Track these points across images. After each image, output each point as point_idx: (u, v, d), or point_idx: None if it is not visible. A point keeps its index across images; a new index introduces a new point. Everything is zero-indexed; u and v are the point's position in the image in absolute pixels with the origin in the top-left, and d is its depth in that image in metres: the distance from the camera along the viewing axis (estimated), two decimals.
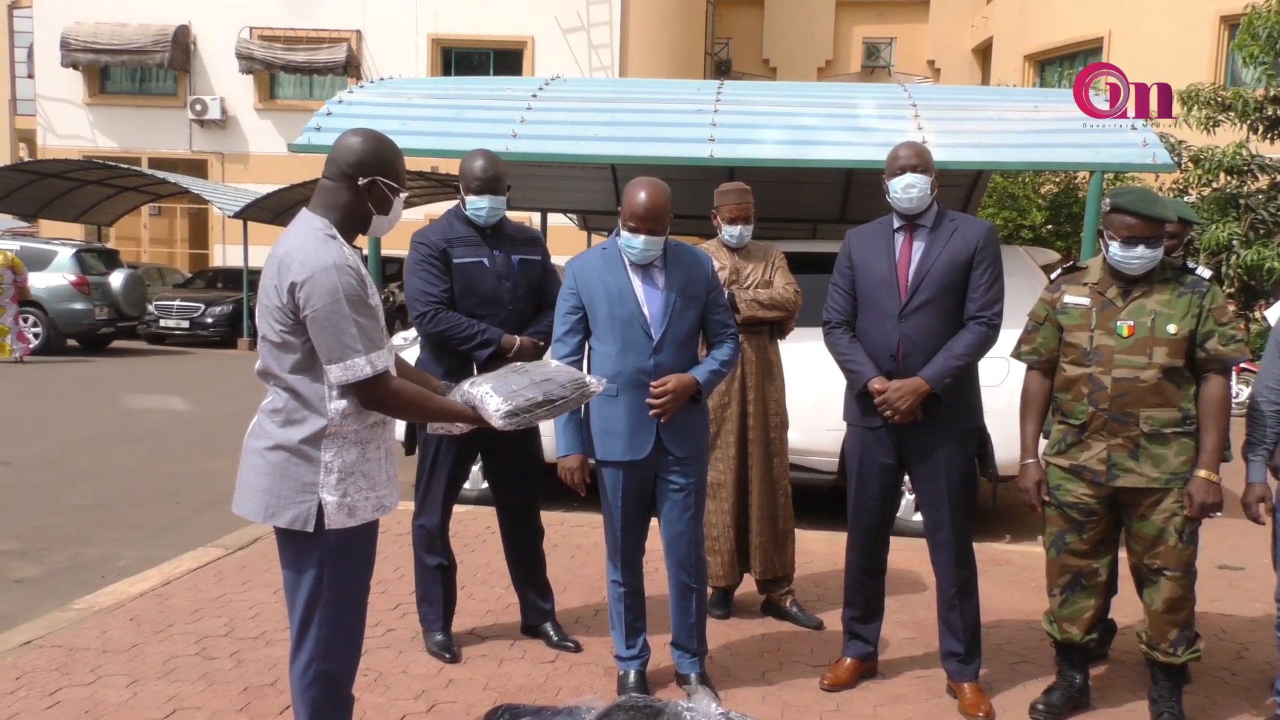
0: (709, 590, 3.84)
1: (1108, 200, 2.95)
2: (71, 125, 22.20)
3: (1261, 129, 12.14)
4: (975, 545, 3.31)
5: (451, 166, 5.49)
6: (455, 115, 6.37)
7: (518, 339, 3.49)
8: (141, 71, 22.40)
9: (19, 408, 9.33)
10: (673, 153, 5.96)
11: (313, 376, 2.16)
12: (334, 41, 21.53)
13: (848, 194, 8.15)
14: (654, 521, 3.20)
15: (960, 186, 7.85)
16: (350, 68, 21.32)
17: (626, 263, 3.07)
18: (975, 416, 3.29)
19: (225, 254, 21.66)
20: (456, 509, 3.75)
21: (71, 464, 6.87)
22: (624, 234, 3.02)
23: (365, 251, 6.22)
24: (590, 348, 3.15)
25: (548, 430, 3.12)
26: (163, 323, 16.30)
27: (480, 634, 3.74)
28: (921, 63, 27.10)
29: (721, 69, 26.79)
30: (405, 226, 3.95)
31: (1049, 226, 14.96)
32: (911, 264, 3.20)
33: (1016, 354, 3.22)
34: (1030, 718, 3.15)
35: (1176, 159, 11.55)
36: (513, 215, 3.82)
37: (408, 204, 15.77)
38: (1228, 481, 3.09)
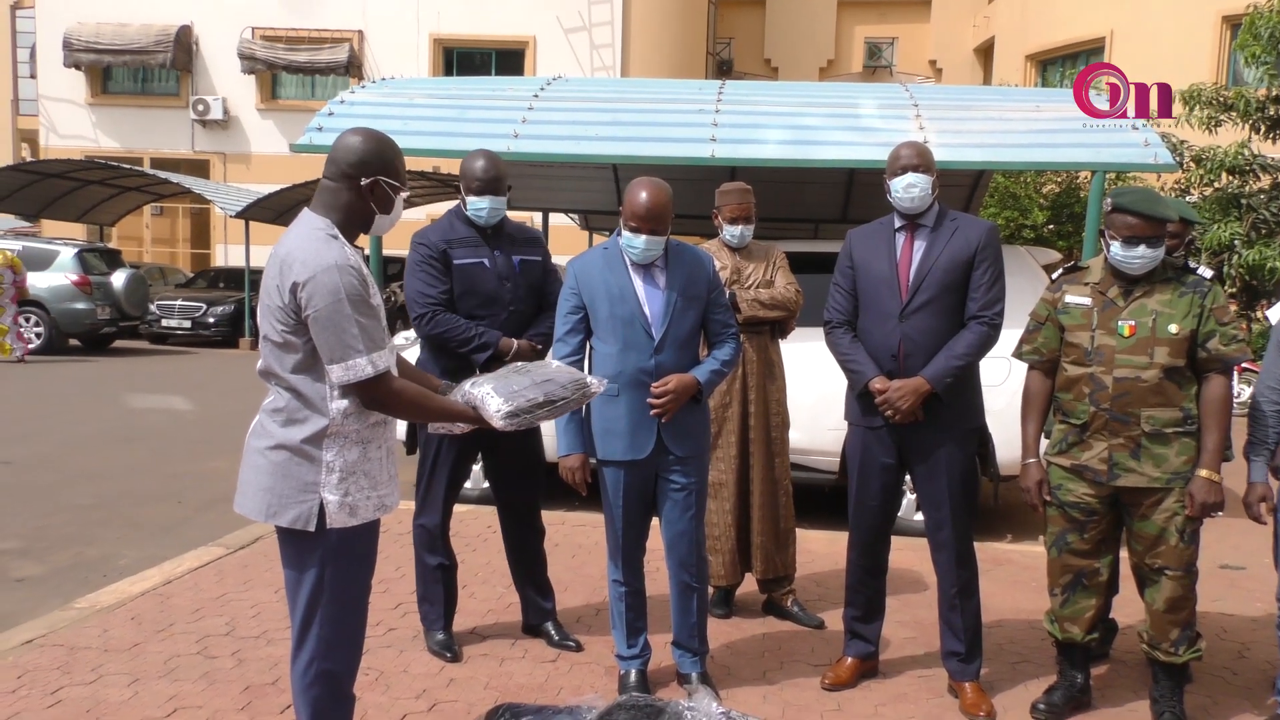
0: (710, 590, 3.84)
1: (1109, 200, 2.95)
2: (74, 125, 22.23)
3: (1263, 129, 12.15)
4: (976, 545, 3.31)
5: (453, 166, 5.48)
6: (457, 115, 6.38)
7: (516, 342, 3.47)
8: (144, 72, 22.43)
9: (21, 407, 9.34)
10: (674, 153, 5.96)
11: (314, 376, 2.17)
12: (336, 41, 21.55)
13: (849, 194, 8.15)
14: (655, 521, 3.20)
15: (962, 186, 7.84)
16: (352, 68, 21.34)
17: (628, 263, 3.07)
18: (976, 416, 3.29)
19: (227, 254, 21.66)
20: (457, 508, 3.75)
21: (73, 463, 6.88)
22: (625, 234, 3.02)
23: (367, 251, 6.23)
24: (591, 347, 3.15)
25: (549, 430, 3.12)
26: (165, 322, 16.32)
27: (481, 633, 3.75)
28: (923, 63, 27.08)
29: (723, 69, 26.77)
30: (406, 226, 3.95)
31: (1050, 226, 14.96)
32: (913, 264, 3.19)
33: (1018, 354, 3.22)
34: (1031, 717, 3.15)
35: (1178, 159, 11.55)
36: (514, 215, 3.82)
37: (409, 204, 15.87)
38: (1229, 481, 3.10)
